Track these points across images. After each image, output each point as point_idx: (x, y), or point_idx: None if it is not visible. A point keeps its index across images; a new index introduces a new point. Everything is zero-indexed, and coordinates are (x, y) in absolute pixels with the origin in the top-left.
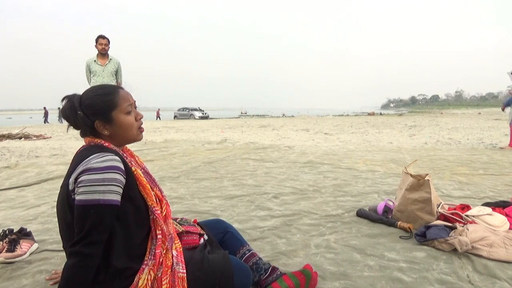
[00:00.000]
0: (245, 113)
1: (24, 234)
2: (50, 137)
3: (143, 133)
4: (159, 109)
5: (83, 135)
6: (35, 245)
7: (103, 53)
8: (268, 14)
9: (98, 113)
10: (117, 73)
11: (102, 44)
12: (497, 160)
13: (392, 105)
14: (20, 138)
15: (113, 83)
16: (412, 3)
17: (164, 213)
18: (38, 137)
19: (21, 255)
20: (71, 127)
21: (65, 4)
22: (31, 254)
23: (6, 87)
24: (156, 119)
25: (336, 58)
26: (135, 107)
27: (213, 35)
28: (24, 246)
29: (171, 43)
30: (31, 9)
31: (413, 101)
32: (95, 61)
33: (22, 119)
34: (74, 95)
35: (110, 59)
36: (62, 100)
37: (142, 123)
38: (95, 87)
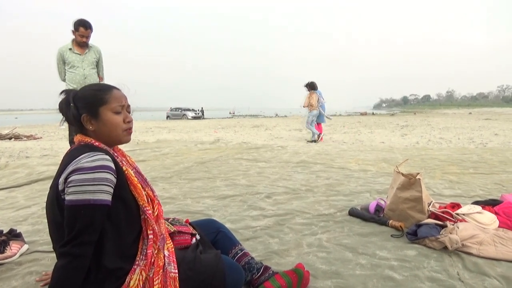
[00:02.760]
0: (233, 113)
1: (14, 235)
2: (41, 138)
3: (133, 135)
4: (170, 108)
5: (75, 131)
6: (25, 246)
7: (82, 45)
8: (261, 14)
9: (86, 106)
10: (98, 64)
11: (84, 37)
12: (487, 159)
13: (384, 105)
14: (10, 138)
15: (95, 76)
16: (404, 4)
17: (156, 213)
18: (29, 137)
19: (11, 257)
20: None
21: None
22: (21, 255)
23: None
24: (167, 118)
25: (330, 58)
26: (129, 112)
27: (208, 39)
28: (14, 247)
29: (166, 45)
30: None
31: (405, 101)
32: (70, 49)
33: (7, 120)
34: (71, 90)
35: (90, 47)
36: (60, 94)
37: (130, 126)
38: (92, 84)
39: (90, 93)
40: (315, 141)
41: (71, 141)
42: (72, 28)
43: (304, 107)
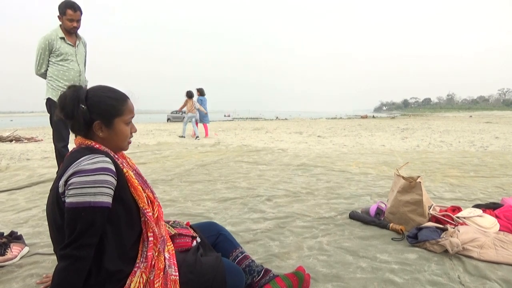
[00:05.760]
0: (228, 116)
1: (14, 237)
2: (42, 140)
3: (133, 137)
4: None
5: (74, 131)
6: (26, 249)
7: (72, 32)
8: (261, 17)
9: (102, 114)
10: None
11: (74, 21)
12: (488, 163)
13: (384, 108)
14: (10, 140)
15: (84, 74)
16: (405, 9)
17: (156, 215)
18: (30, 139)
19: (11, 259)
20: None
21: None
22: (21, 257)
23: None
24: (167, 120)
25: (329, 61)
26: None
27: (209, 40)
28: (14, 249)
29: (164, 48)
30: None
31: (405, 104)
32: (62, 38)
33: (2, 122)
34: (80, 87)
35: (80, 37)
36: (69, 87)
37: (132, 136)
38: (105, 88)
39: (108, 101)
40: (197, 137)
41: (62, 139)
42: (58, 13)
43: (187, 111)
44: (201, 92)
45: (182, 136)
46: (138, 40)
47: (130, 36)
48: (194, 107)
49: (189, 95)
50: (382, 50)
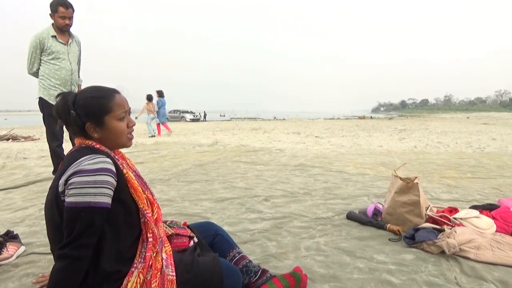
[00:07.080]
0: (223, 116)
1: (11, 236)
2: (39, 139)
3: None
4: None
5: (73, 134)
6: (22, 248)
7: (64, 30)
8: (260, 18)
9: (91, 115)
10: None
11: (66, 18)
12: (485, 164)
13: (382, 108)
14: (7, 139)
15: (77, 74)
16: (404, 11)
17: (155, 216)
18: (26, 138)
19: (7, 258)
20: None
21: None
22: (18, 257)
23: None
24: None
25: (327, 62)
26: (129, 114)
27: (207, 41)
28: (10, 249)
29: (166, 48)
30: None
31: (403, 105)
32: (54, 37)
33: None
34: (69, 93)
35: (73, 36)
36: (57, 96)
37: (132, 130)
38: (91, 88)
39: (93, 101)
40: (154, 136)
41: (56, 139)
42: (50, 11)
43: (148, 113)
44: (160, 94)
45: (152, 136)
46: (146, 46)
47: (135, 41)
48: (153, 108)
49: (149, 98)
50: (380, 52)
